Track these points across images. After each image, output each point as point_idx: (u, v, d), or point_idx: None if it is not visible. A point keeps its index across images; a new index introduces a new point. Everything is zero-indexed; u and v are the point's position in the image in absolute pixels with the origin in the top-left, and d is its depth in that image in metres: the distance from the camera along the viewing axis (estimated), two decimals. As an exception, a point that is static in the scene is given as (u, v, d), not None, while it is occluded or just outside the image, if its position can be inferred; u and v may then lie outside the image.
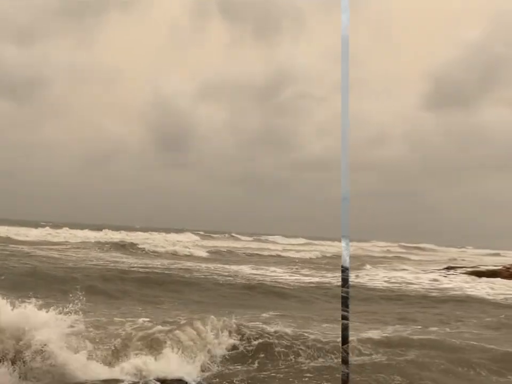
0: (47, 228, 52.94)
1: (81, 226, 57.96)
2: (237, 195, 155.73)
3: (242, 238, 72.32)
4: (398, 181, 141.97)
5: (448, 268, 28.79)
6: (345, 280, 2.56)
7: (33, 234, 45.56)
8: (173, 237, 56.93)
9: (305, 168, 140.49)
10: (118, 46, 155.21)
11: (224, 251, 40.66)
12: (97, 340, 7.88)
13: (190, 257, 33.30)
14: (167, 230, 67.39)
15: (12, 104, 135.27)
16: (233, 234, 74.83)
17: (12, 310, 7.43)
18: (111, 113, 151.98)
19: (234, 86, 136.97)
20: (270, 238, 74.96)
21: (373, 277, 23.18)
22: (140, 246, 35.77)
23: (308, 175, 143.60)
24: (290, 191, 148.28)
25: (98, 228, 56.63)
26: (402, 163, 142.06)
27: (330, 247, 57.48)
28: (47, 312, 7.49)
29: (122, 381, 7.09)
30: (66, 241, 40.79)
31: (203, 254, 36.10)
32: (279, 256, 41.53)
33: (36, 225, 58.06)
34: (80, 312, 7.71)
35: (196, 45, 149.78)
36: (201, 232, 73.85)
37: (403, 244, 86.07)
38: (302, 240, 76.60)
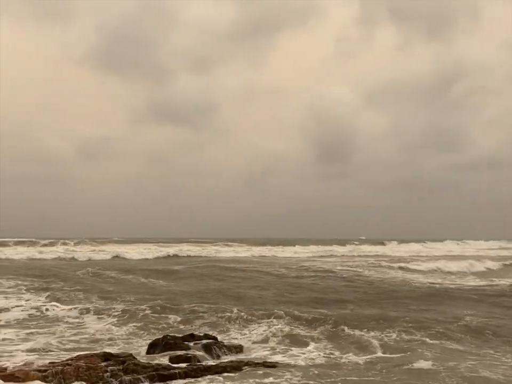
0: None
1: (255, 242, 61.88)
2: (400, 201, 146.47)
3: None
4: None
5: None
6: None
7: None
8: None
9: (475, 168, 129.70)
10: (287, 63, 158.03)
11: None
12: None
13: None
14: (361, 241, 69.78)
15: (187, 130, 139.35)
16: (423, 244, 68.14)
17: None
18: (273, 131, 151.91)
19: (400, 90, 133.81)
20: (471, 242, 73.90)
21: None
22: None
23: (478, 175, 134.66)
24: (458, 193, 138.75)
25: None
26: None
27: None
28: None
29: None
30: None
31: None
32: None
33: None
34: None
35: (363, 52, 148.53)
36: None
37: None
38: (493, 244, 75.24)
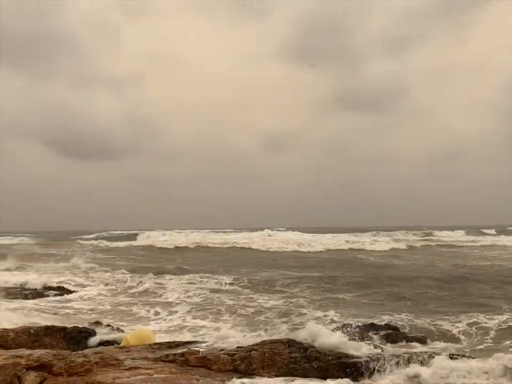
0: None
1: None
2: None
3: None
4: None
5: None
6: None
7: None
8: None
9: None
10: (489, 38, 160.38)
11: None
12: None
13: None
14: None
15: (373, 115, 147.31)
16: None
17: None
18: (466, 111, 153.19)
19: None
20: None
21: None
22: None
23: None
24: None
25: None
26: None
27: None
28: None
29: None
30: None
31: None
32: None
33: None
34: None
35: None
36: None
37: None
38: None
